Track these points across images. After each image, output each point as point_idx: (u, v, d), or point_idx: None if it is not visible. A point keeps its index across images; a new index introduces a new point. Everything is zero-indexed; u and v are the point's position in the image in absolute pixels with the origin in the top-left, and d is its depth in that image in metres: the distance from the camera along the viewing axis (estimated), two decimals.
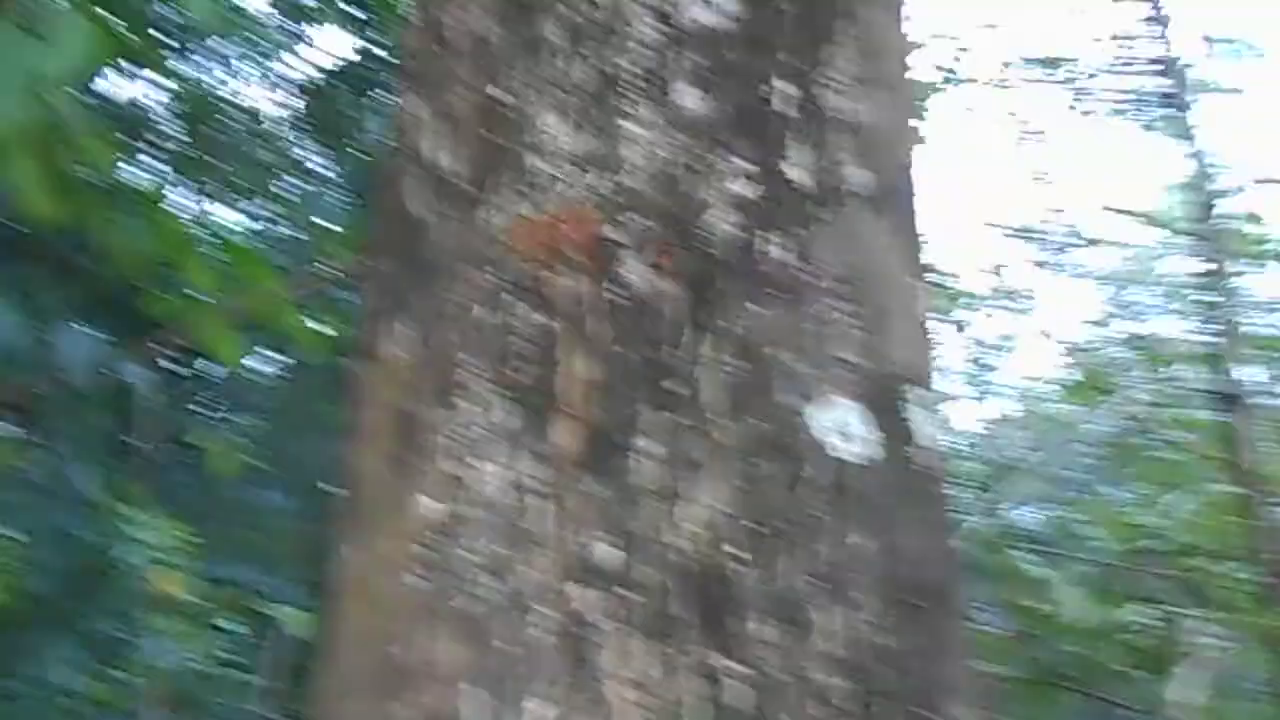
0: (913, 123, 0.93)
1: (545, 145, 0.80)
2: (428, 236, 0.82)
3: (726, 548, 0.71)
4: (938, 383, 0.92)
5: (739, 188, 0.79)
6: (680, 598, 0.70)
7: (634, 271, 0.76)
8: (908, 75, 0.96)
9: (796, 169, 0.81)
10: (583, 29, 0.82)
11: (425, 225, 0.82)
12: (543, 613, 0.70)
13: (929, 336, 0.89)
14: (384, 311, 0.83)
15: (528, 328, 0.76)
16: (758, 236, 0.78)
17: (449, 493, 0.74)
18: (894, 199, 0.87)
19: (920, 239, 0.93)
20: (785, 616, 0.70)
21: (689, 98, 0.81)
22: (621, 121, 0.80)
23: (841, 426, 0.76)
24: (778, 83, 0.82)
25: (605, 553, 0.71)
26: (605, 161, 0.79)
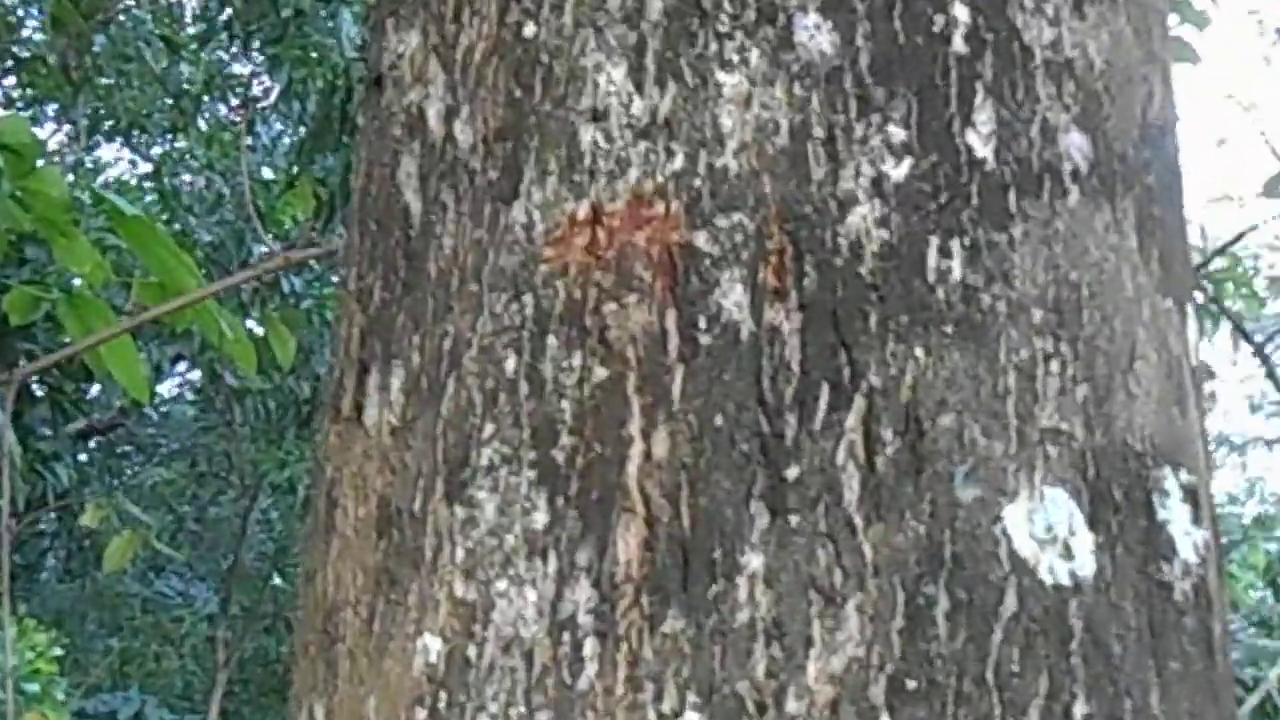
0: (1170, 60, 0.94)
1: (606, 110, 0.83)
2: (435, 247, 0.86)
3: (881, 717, 0.73)
4: (1212, 452, 0.92)
5: (896, 170, 0.81)
6: None
7: (738, 299, 0.79)
8: None
9: (985, 140, 0.83)
10: None
11: (431, 230, 0.86)
12: None
13: (1195, 388, 0.90)
14: (369, 358, 0.87)
15: (583, 385, 0.79)
16: (926, 243, 0.80)
17: (465, 629, 0.78)
18: (1139, 179, 0.88)
19: (1183, 234, 0.94)
20: None
21: (819, 35, 0.83)
22: (720, 74, 0.82)
23: (1058, 534, 0.78)
24: (956, 8, 0.84)
25: None
26: (694, 134, 0.82)
